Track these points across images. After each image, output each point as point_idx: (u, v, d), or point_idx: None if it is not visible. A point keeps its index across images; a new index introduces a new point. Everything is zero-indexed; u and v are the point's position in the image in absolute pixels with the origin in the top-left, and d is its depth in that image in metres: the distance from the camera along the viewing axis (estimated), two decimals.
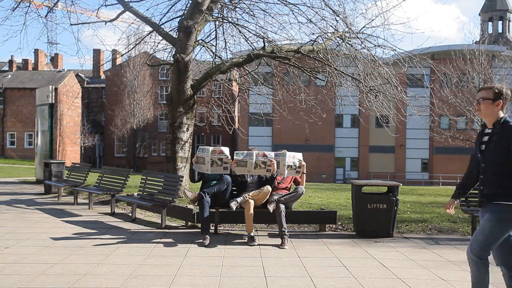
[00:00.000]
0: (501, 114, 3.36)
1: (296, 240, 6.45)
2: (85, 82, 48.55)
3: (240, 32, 11.52)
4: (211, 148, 6.41)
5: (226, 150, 6.41)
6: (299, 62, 11.00)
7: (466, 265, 5.19)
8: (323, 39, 10.52)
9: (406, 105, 11.98)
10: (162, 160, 24.60)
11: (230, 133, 27.21)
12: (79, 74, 45.11)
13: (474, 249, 3.35)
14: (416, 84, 15.45)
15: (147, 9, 37.40)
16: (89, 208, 9.30)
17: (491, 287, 3.48)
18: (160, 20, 11.80)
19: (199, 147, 6.69)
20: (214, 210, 6.61)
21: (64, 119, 41.23)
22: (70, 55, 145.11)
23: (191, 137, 10.21)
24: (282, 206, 6.35)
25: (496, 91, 3.34)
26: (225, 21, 11.86)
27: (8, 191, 12.24)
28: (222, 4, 11.41)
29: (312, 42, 10.43)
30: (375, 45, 10.65)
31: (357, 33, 10.59)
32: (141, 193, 8.10)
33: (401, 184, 7.16)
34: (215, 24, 12.03)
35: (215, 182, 6.69)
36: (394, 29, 20.16)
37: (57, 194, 10.98)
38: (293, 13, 11.03)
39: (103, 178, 9.66)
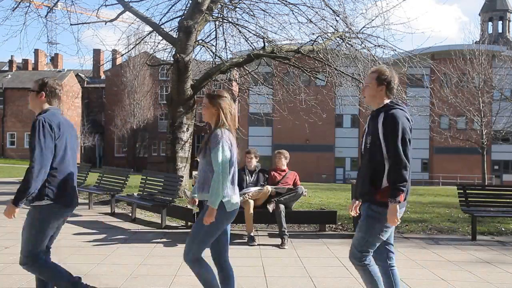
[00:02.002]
0: None
1: (296, 240, 6.45)
2: (85, 82, 48.52)
3: (240, 32, 11.52)
4: None
5: None
6: (299, 62, 11.00)
7: (466, 265, 5.21)
8: (323, 39, 10.52)
9: (406, 105, 11.96)
10: (162, 160, 24.53)
11: None
12: (79, 74, 45.07)
13: None
14: (416, 84, 15.43)
15: (147, 9, 37.47)
16: (89, 208, 9.29)
17: None
18: (160, 20, 11.81)
19: (195, 174, 6.68)
20: None
21: None
22: (70, 55, 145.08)
23: (191, 137, 10.21)
24: (282, 206, 6.35)
25: None
26: (225, 21, 11.86)
27: (8, 191, 12.22)
28: (222, 4, 11.40)
29: (312, 42, 10.43)
30: (375, 45, 10.65)
31: (357, 33, 10.59)
32: (141, 193, 8.10)
33: None
34: (215, 24, 12.03)
35: None
36: (394, 29, 20.22)
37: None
38: (293, 13, 11.06)
39: (103, 178, 9.66)
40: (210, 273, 3.29)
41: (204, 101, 3.33)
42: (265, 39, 10.63)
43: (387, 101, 3.13)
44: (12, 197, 3.20)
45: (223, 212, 3.18)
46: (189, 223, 7.37)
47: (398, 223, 2.97)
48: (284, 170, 6.84)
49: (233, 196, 3.23)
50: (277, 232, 6.44)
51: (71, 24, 11.99)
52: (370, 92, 3.15)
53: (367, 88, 3.17)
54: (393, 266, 3.21)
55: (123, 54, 17.17)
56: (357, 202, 3.40)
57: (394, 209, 2.92)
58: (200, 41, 11.50)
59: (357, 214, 3.41)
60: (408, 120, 3.05)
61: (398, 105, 3.09)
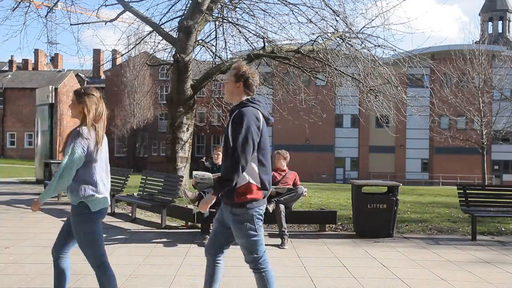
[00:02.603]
0: None
1: (296, 240, 6.45)
2: (85, 82, 48.48)
3: (240, 32, 11.53)
4: (211, 175, 6.46)
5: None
6: (299, 62, 11.01)
7: (466, 265, 5.21)
8: (323, 39, 10.52)
9: (406, 105, 11.98)
10: (162, 160, 24.53)
11: None
12: (79, 74, 45.07)
13: None
14: (416, 84, 15.44)
15: (147, 9, 37.46)
16: None
17: None
18: (160, 20, 11.82)
19: (195, 174, 6.62)
20: (214, 210, 6.61)
21: (64, 119, 41.23)
22: (70, 55, 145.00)
23: (191, 137, 10.21)
24: (282, 206, 6.35)
25: None
26: (225, 21, 11.86)
27: (8, 191, 12.22)
28: (222, 4, 11.41)
29: (312, 42, 10.44)
30: (375, 45, 10.65)
31: (357, 33, 10.60)
32: (141, 193, 8.10)
33: (401, 184, 7.16)
34: (215, 24, 12.04)
35: None
36: (394, 29, 20.25)
37: (57, 194, 10.98)
38: (293, 13, 11.07)
39: None
40: (112, 285, 3.28)
41: (72, 98, 3.28)
42: (265, 39, 10.64)
43: (244, 98, 3.02)
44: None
45: (88, 213, 3.14)
46: (189, 223, 7.38)
47: (206, 213, 2.95)
48: (284, 170, 6.83)
49: (98, 196, 3.14)
50: (277, 232, 6.44)
51: (71, 24, 12.00)
52: (229, 89, 3.06)
53: (227, 85, 3.08)
54: (219, 262, 3.20)
55: (123, 54, 17.18)
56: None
57: (210, 198, 2.92)
58: (200, 41, 11.51)
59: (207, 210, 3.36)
60: (258, 119, 2.94)
61: (253, 102, 2.98)
